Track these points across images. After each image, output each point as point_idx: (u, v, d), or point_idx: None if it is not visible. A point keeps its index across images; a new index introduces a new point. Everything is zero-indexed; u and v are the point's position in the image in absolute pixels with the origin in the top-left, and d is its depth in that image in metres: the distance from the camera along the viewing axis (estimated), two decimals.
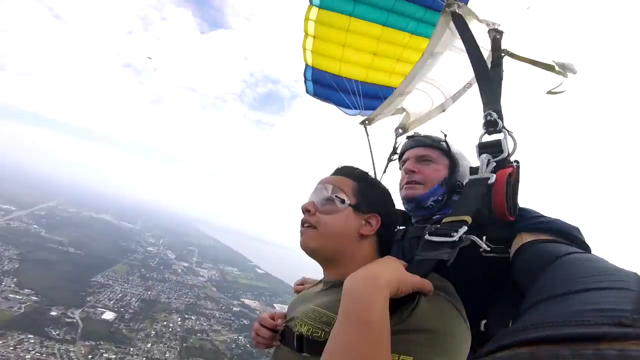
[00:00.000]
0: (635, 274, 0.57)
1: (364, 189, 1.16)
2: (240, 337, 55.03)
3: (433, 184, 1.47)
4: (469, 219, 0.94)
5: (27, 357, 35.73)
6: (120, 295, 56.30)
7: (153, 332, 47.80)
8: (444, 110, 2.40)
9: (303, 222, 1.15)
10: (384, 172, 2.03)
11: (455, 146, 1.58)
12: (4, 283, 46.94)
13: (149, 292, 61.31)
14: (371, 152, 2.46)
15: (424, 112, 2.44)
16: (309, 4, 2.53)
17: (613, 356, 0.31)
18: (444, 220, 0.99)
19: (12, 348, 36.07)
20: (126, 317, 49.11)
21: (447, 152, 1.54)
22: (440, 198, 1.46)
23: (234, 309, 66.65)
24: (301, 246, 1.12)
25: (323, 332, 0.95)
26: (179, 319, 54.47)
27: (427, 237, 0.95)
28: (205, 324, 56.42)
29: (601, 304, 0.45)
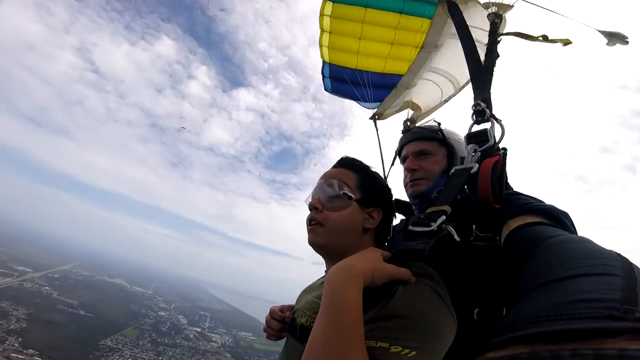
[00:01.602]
0: (618, 254, 0.56)
1: (366, 182, 1.16)
2: None
3: (435, 176, 1.50)
4: (448, 208, 0.95)
5: None
6: (130, 359, 52.33)
7: None
8: (447, 101, 2.46)
9: (310, 220, 1.14)
10: (392, 164, 1.99)
11: (454, 133, 1.59)
12: (7, 342, 43.98)
13: (160, 358, 57.16)
14: (380, 147, 2.40)
15: (434, 104, 2.49)
16: None
17: (613, 356, 0.30)
18: (427, 211, 0.99)
19: None
20: None
21: (443, 142, 1.56)
22: (443, 188, 1.49)
23: None
24: (309, 242, 1.13)
25: None
26: None
27: (410, 227, 0.97)
28: None
29: (590, 293, 0.44)
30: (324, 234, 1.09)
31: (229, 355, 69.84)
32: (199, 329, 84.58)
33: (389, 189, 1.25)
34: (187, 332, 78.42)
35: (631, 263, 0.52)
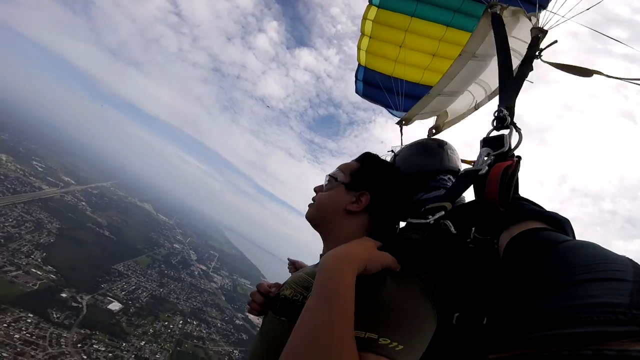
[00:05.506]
0: (630, 260, 0.57)
1: (363, 169, 1.25)
2: (235, 351, 54.18)
3: None
4: (448, 205, 1.01)
5: (15, 336, 33.81)
6: (134, 287, 57.08)
7: (151, 331, 48.15)
8: (477, 109, 2.37)
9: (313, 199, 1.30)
10: None
11: (407, 156, 1.74)
12: (32, 256, 46.97)
13: (161, 289, 62.04)
14: None
15: (462, 110, 2.40)
16: (368, 3, 2.50)
17: (612, 357, 0.31)
18: (428, 206, 1.04)
19: (5, 325, 34.10)
20: (131, 310, 49.59)
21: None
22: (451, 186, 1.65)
23: (237, 321, 66.15)
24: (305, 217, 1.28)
25: (302, 296, 1.01)
26: (181, 322, 54.68)
27: (409, 219, 1.05)
28: (204, 331, 56.22)
29: (598, 298, 0.44)
30: (312, 210, 1.23)
31: (224, 298, 74.91)
32: (204, 267, 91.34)
33: (392, 177, 1.24)
34: (193, 268, 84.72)
35: None
